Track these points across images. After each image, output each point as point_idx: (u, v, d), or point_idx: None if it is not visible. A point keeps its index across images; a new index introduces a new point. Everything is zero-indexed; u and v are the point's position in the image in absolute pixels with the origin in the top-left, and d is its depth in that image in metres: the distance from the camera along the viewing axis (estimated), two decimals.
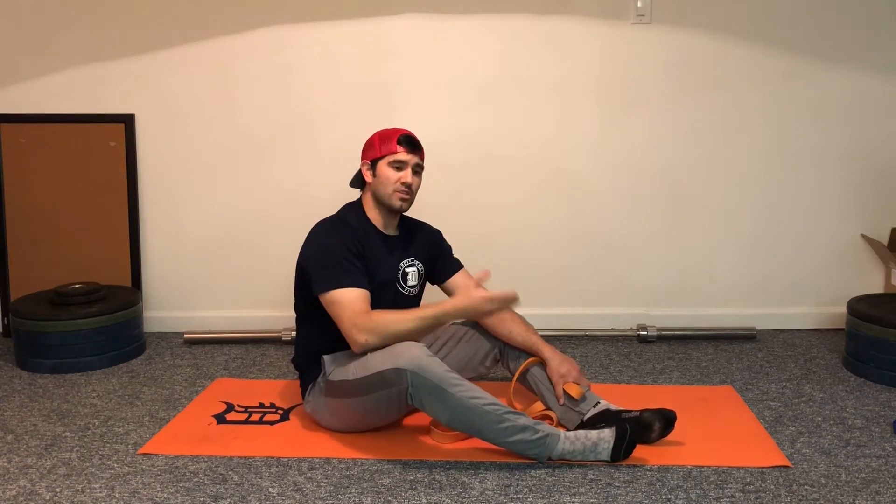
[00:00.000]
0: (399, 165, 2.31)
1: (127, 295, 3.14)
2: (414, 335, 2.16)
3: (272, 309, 3.30)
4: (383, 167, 2.32)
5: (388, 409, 2.21)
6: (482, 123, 3.27)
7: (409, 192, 2.33)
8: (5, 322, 3.34)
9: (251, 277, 3.38)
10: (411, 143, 2.34)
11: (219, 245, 3.38)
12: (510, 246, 3.34)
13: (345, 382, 2.20)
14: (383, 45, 3.23)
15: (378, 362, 2.13)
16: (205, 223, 3.37)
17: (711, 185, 3.31)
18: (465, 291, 2.21)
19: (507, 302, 2.18)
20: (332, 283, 2.19)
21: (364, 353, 2.17)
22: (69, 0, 3.23)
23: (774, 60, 3.22)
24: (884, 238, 3.30)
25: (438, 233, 2.59)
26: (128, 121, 3.30)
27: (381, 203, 2.35)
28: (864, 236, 3.33)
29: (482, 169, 3.30)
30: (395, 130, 2.36)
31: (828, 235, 3.34)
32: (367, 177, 2.36)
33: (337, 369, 2.25)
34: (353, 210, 2.40)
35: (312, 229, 2.34)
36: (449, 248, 2.58)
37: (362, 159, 2.38)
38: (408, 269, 2.41)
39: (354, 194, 2.46)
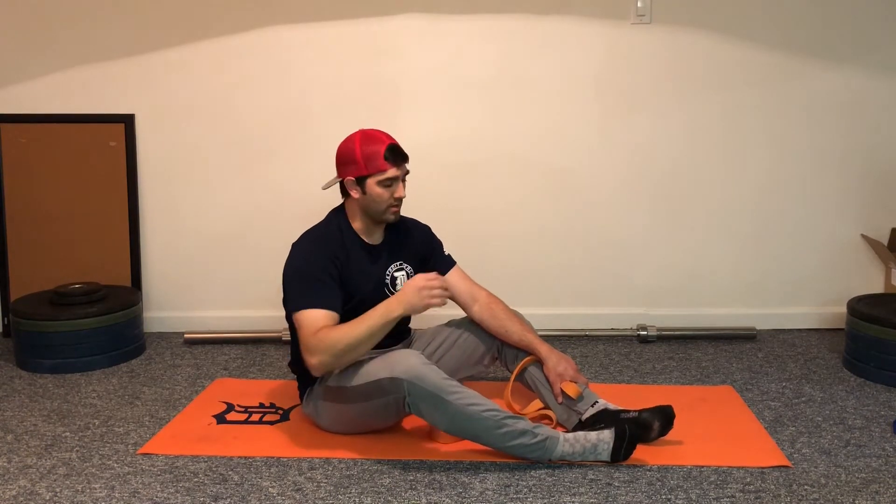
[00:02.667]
0: (390, 183, 2.25)
1: (127, 295, 3.14)
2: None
3: (272, 309, 3.27)
4: (373, 186, 2.24)
5: (386, 416, 2.21)
6: (482, 123, 3.27)
7: (401, 203, 2.31)
8: (5, 322, 3.34)
9: (251, 277, 3.37)
10: (397, 154, 2.25)
11: (219, 245, 3.37)
12: (510, 246, 3.34)
13: (342, 388, 2.19)
14: (383, 45, 3.23)
15: (375, 370, 2.12)
16: (205, 223, 3.36)
17: (711, 185, 3.31)
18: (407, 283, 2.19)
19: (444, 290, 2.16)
20: (297, 303, 2.17)
21: (347, 367, 2.15)
22: (69, 0, 3.23)
23: (774, 60, 3.21)
24: (884, 238, 3.30)
25: (427, 229, 2.54)
26: (128, 121, 3.30)
27: (371, 218, 2.31)
28: (864, 236, 3.33)
29: (481, 169, 3.30)
30: (377, 142, 2.24)
31: (828, 235, 3.34)
32: (355, 193, 2.27)
33: (335, 374, 2.23)
34: (336, 219, 2.35)
35: (294, 244, 2.30)
36: (440, 245, 2.53)
37: (345, 175, 2.26)
38: (396, 274, 2.38)
39: None
